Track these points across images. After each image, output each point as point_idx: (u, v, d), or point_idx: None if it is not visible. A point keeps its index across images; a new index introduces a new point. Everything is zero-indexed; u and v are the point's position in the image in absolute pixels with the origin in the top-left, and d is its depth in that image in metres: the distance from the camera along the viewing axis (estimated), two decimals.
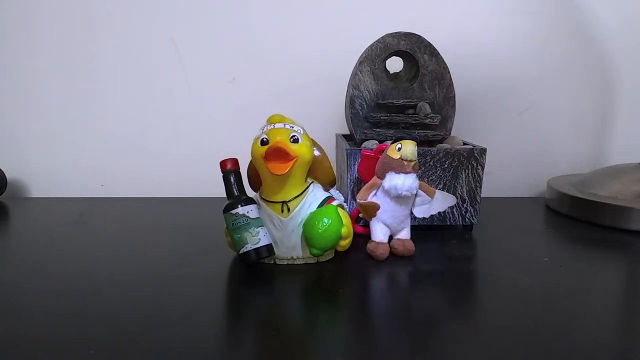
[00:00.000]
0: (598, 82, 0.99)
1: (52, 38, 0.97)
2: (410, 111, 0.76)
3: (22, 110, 1.00)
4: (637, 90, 0.99)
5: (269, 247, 0.59)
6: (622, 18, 0.97)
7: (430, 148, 0.72)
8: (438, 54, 0.75)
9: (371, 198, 0.63)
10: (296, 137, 0.59)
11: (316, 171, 0.64)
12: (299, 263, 0.62)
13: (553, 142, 1.01)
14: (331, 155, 0.71)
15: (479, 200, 0.73)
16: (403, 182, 0.60)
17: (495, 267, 0.62)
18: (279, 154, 0.57)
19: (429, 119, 0.74)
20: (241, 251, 0.59)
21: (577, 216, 0.81)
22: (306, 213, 0.61)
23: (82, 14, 0.96)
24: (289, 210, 0.61)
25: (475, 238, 0.73)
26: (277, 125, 0.60)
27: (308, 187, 0.62)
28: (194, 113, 0.99)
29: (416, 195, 0.63)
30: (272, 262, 0.62)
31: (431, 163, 0.71)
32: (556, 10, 0.96)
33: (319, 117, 0.97)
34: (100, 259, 0.65)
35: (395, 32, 0.75)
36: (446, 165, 0.71)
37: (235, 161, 0.62)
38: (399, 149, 0.60)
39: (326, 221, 0.59)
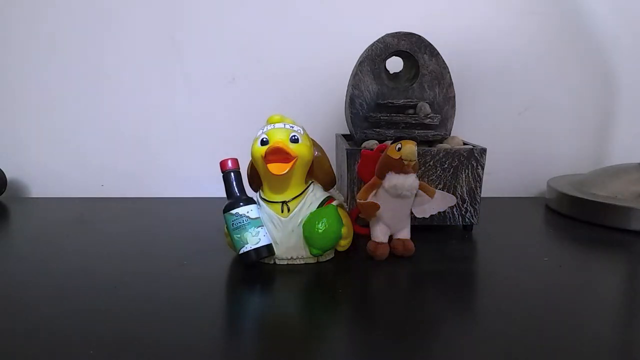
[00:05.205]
0: (598, 81, 0.99)
1: (52, 38, 0.97)
2: (410, 111, 0.76)
3: (22, 110, 1.00)
4: (637, 90, 0.99)
5: (269, 247, 0.59)
6: (622, 18, 0.97)
7: (430, 148, 0.72)
8: (438, 54, 0.75)
9: (371, 198, 0.63)
10: (296, 137, 0.59)
11: (316, 171, 0.64)
12: (299, 263, 0.62)
13: (553, 142, 1.01)
14: (331, 155, 0.71)
15: (479, 200, 0.73)
16: (403, 182, 0.60)
17: (495, 267, 0.62)
18: (279, 154, 0.57)
19: (429, 119, 0.74)
20: (241, 251, 0.59)
21: (577, 216, 0.81)
22: (306, 213, 0.61)
23: (82, 15, 0.96)
24: (289, 210, 0.61)
25: (475, 238, 0.73)
26: (277, 125, 0.60)
27: (308, 187, 0.62)
28: (194, 113, 0.99)
29: (416, 195, 0.63)
30: (272, 262, 0.62)
31: (431, 163, 0.71)
32: (556, 10, 0.96)
33: (319, 117, 0.97)
34: (100, 259, 0.65)
35: (395, 32, 0.75)
36: (446, 165, 0.71)
37: (235, 161, 0.62)
38: (399, 149, 0.60)
39: (326, 221, 0.59)
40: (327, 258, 0.63)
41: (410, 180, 0.60)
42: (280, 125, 0.60)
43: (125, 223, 0.82)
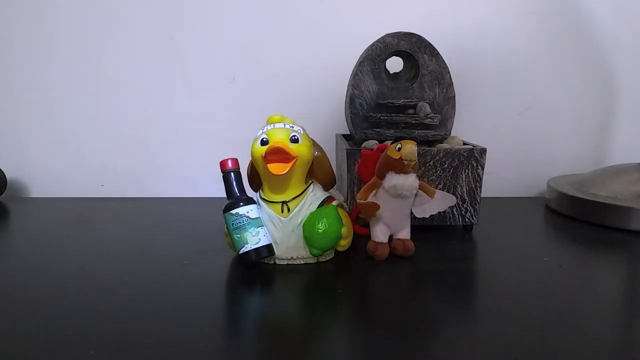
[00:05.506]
0: (598, 81, 0.99)
1: (52, 38, 0.97)
2: (410, 111, 0.76)
3: (22, 110, 1.00)
4: (637, 90, 0.99)
5: (269, 247, 0.59)
6: (622, 18, 0.97)
7: (430, 148, 0.72)
8: (438, 54, 0.75)
9: (371, 198, 0.63)
10: (296, 137, 0.59)
11: (316, 171, 0.64)
12: (299, 263, 0.62)
13: (553, 142, 1.01)
14: (331, 155, 0.71)
15: (479, 200, 0.73)
16: (403, 182, 0.60)
17: (495, 267, 0.62)
18: (279, 154, 0.57)
19: (429, 119, 0.74)
20: (241, 251, 0.59)
21: (577, 216, 0.81)
22: (306, 213, 0.61)
23: (82, 15, 0.96)
24: (289, 210, 0.61)
25: (475, 238, 0.73)
26: (277, 125, 0.60)
27: (308, 187, 0.62)
28: (194, 113, 0.99)
29: (416, 195, 0.63)
30: (272, 262, 0.62)
31: (431, 163, 0.71)
32: (556, 10, 0.96)
33: (319, 117, 0.97)
34: (99, 259, 0.65)
35: (395, 32, 0.75)
36: (446, 165, 0.71)
37: (235, 161, 0.62)
38: (399, 149, 0.59)
39: (326, 221, 0.59)
40: (327, 258, 0.63)
41: (410, 180, 0.60)
42: (280, 125, 0.60)
43: (125, 223, 0.82)
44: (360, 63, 0.75)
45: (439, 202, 0.64)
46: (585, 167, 0.98)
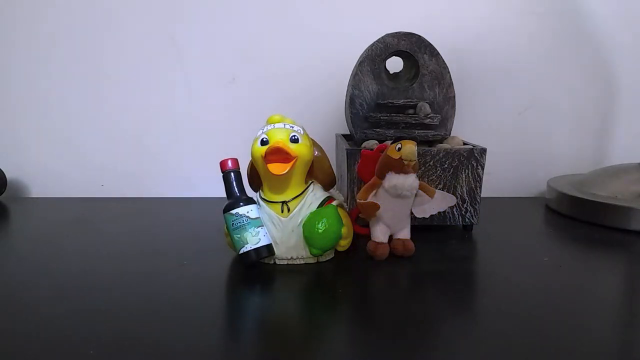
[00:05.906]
0: (598, 81, 0.99)
1: (52, 38, 0.97)
2: (410, 111, 0.76)
3: (23, 110, 1.00)
4: (637, 90, 0.99)
5: (269, 247, 0.59)
6: (622, 18, 0.97)
7: (430, 148, 0.72)
8: (438, 54, 0.75)
9: (371, 198, 0.63)
10: (296, 137, 0.59)
11: (316, 171, 0.64)
12: (299, 263, 0.62)
13: (553, 142, 1.01)
14: (331, 155, 0.71)
15: (479, 200, 0.73)
16: (403, 182, 0.60)
17: (495, 267, 0.62)
18: (279, 154, 0.57)
19: (429, 119, 0.74)
20: (241, 251, 0.59)
21: (577, 216, 0.81)
22: (306, 213, 0.61)
23: (82, 15, 0.96)
24: (289, 210, 0.61)
25: (475, 238, 0.73)
26: (277, 125, 0.60)
27: (308, 187, 0.62)
28: (194, 113, 0.99)
29: (416, 195, 0.63)
30: (272, 262, 0.62)
31: (431, 163, 0.71)
32: (556, 10, 0.96)
33: (319, 117, 0.97)
34: (99, 259, 0.65)
35: (395, 32, 0.75)
36: (446, 165, 0.71)
37: (235, 161, 0.62)
38: (399, 149, 0.59)
39: (326, 221, 0.59)
40: (327, 258, 0.63)
41: (410, 180, 0.60)
42: (280, 125, 0.60)
43: (125, 223, 0.82)
44: (360, 63, 0.75)
45: (439, 202, 0.64)
46: (585, 167, 0.98)
